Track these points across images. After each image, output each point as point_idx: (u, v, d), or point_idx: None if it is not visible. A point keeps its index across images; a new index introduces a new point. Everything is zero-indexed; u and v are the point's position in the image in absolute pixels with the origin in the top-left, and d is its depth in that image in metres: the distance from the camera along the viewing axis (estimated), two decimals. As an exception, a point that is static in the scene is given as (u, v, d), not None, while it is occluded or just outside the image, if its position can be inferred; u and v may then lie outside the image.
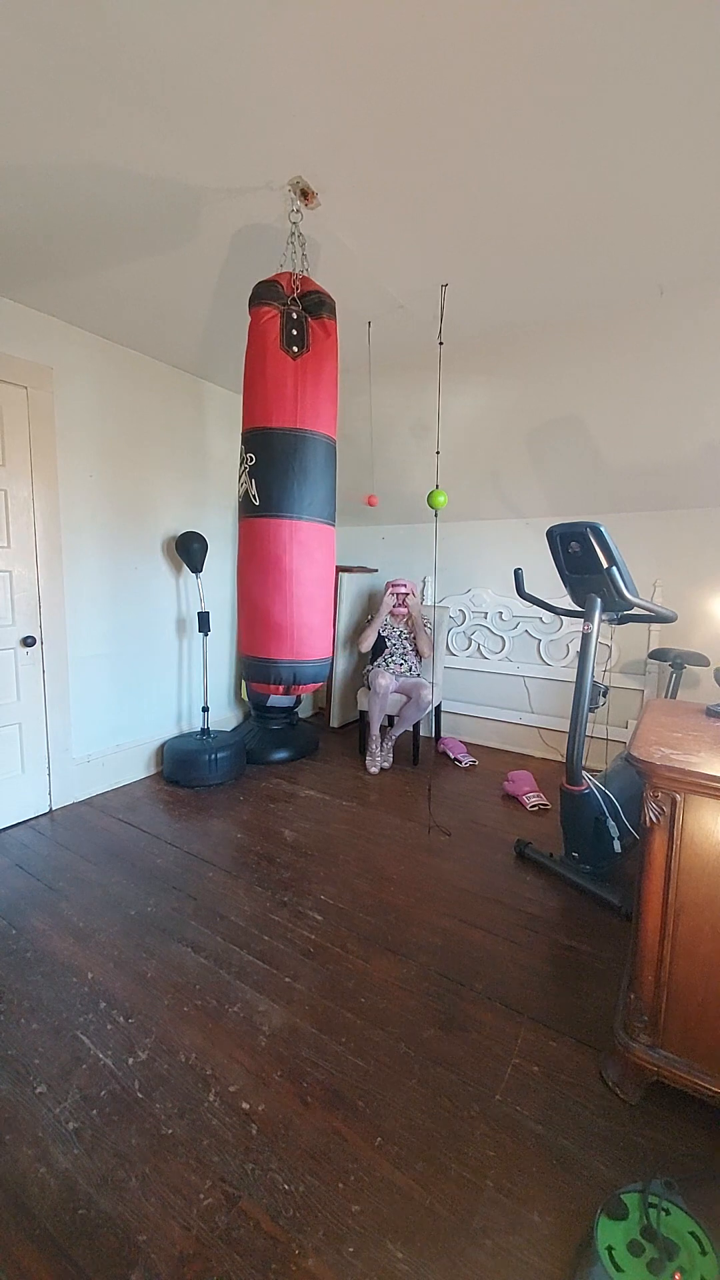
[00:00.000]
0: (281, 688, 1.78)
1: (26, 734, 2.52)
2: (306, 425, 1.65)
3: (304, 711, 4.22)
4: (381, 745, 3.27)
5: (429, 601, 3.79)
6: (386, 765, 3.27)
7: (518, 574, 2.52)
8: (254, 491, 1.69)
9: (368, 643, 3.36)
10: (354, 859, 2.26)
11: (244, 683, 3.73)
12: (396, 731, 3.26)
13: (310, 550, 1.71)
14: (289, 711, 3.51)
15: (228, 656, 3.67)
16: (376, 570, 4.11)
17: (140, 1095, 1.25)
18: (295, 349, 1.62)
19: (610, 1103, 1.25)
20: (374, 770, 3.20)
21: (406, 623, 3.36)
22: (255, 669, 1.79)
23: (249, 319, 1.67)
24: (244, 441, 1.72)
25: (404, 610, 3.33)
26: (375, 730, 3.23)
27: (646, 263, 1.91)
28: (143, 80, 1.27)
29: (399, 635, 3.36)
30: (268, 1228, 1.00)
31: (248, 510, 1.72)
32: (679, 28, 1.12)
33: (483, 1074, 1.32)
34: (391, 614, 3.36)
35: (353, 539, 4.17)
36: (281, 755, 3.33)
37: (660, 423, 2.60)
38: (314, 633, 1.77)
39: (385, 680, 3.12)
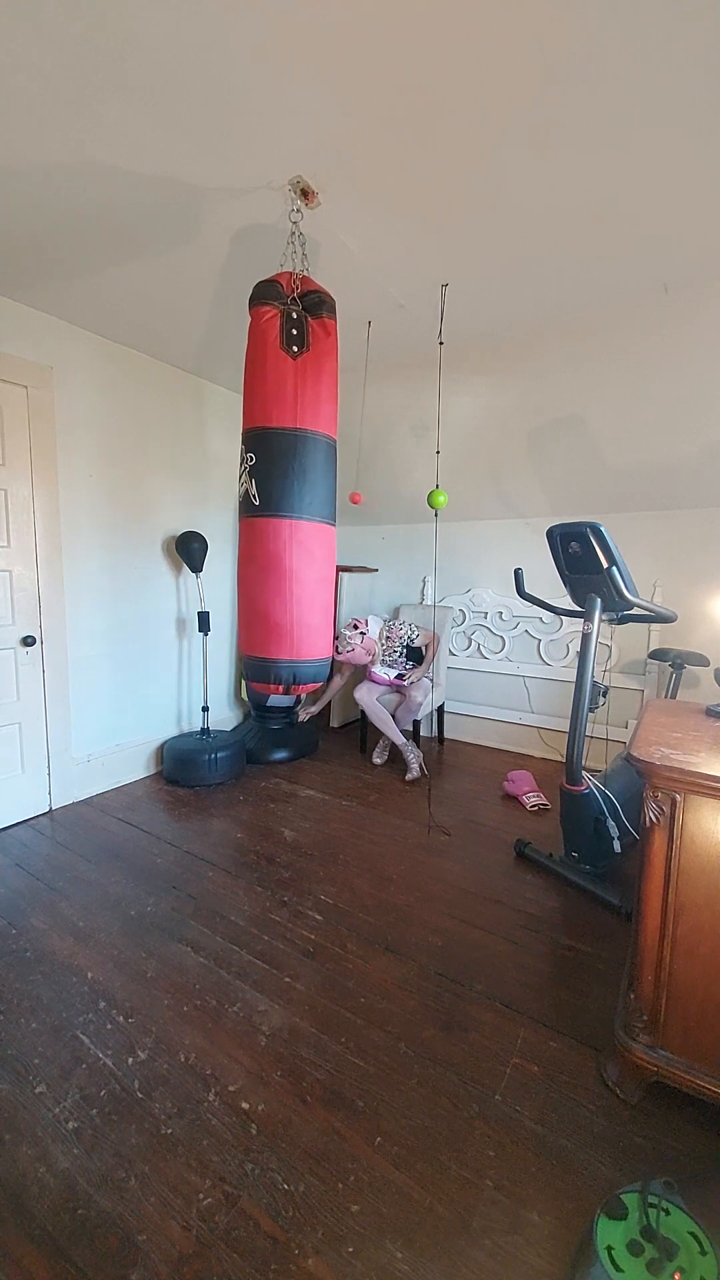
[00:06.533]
0: (281, 687, 1.78)
1: (26, 734, 2.52)
2: (306, 425, 1.65)
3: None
4: (414, 750, 3.14)
5: (429, 601, 3.78)
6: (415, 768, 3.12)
7: (518, 574, 2.52)
8: (254, 491, 1.69)
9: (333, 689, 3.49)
10: (354, 859, 2.26)
11: (244, 682, 3.73)
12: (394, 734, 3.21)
13: (310, 550, 1.71)
14: (289, 711, 3.51)
15: (228, 656, 3.67)
16: (376, 570, 4.11)
17: (140, 1095, 1.25)
18: (295, 348, 1.62)
19: (610, 1103, 1.25)
20: (411, 777, 3.06)
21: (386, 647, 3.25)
22: (255, 668, 1.79)
23: (249, 319, 1.67)
24: (244, 441, 1.72)
25: (366, 653, 3.17)
26: (399, 740, 3.11)
27: (647, 262, 1.91)
28: (143, 80, 1.27)
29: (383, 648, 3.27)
30: (267, 1228, 1.00)
31: (248, 510, 1.72)
32: (681, 28, 1.12)
33: (482, 1074, 1.32)
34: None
35: (353, 539, 4.17)
36: (281, 755, 3.33)
37: (660, 423, 2.60)
38: (314, 632, 1.77)
39: (363, 692, 3.10)
